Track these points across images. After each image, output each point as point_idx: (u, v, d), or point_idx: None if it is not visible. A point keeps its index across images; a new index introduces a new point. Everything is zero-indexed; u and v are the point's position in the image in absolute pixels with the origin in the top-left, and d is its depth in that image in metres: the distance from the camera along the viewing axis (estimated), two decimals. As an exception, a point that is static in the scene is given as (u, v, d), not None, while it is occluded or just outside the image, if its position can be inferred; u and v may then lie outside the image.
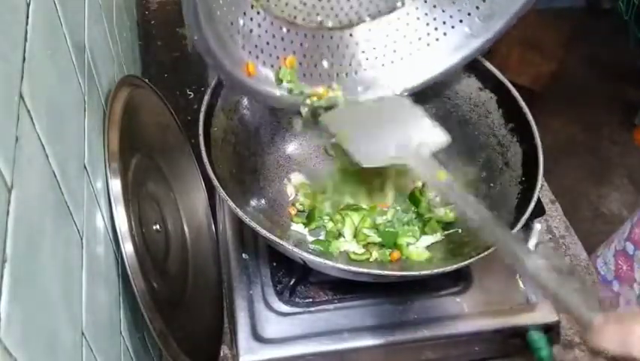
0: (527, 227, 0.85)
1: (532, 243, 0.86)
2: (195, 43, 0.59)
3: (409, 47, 0.72)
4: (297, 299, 0.71)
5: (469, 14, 0.69)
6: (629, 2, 2.15)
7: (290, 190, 0.81)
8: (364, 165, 0.65)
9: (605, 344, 0.44)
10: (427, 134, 0.66)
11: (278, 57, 0.67)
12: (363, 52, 0.71)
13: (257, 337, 0.67)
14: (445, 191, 0.62)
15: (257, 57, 0.66)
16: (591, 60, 2.24)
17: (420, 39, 0.72)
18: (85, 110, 0.54)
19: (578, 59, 2.22)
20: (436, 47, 0.72)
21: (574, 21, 2.15)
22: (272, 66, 0.68)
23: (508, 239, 0.54)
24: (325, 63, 0.70)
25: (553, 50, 2.02)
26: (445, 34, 0.71)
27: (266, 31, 0.65)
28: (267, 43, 0.66)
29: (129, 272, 0.56)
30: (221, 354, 0.74)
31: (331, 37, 0.69)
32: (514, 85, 0.75)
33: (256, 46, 0.65)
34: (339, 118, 0.69)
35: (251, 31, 0.64)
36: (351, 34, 0.70)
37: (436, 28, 0.71)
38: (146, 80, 0.76)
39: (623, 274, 1.01)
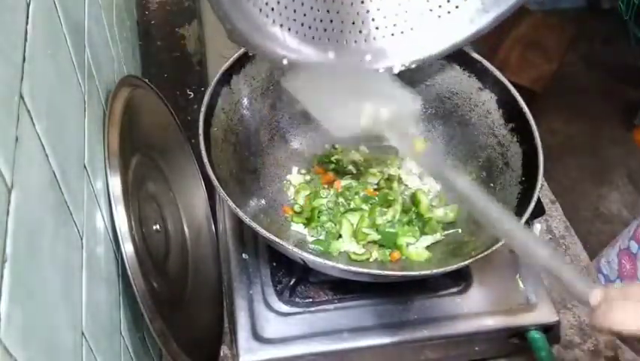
0: (527, 227, 0.86)
1: (532, 243, 0.86)
2: (224, 25, 0.58)
3: (421, 19, 0.72)
4: (297, 299, 0.71)
5: None
6: (629, 2, 2.15)
7: (290, 190, 0.81)
8: (337, 136, 0.64)
9: (618, 322, 0.39)
10: (399, 101, 0.64)
11: (295, 20, 0.67)
12: (373, 20, 0.71)
13: (257, 337, 0.67)
14: (423, 162, 0.59)
15: (267, 15, 0.65)
16: (591, 60, 2.24)
17: (431, 11, 0.71)
18: (85, 110, 0.54)
19: (578, 59, 2.22)
20: (448, 19, 0.71)
21: (574, 21, 2.15)
22: (304, 35, 0.68)
23: (492, 211, 0.52)
24: (336, 29, 0.70)
25: (554, 51, 2.02)
26: (457, 7, 0.71)
27: (293, 0, 0.65)
28: (278, 2, 0.65)
29: (129, 272, 0.56)
30: (221, 354, 0.74)
31: (342, 3, 0.69)
32: (514, 85, 0.75)
33: (267, 3, 0.65)
34: (303, 82, 0.67)
35: (278, 2, 0.64)
36: (362, 2, 0.70)
37: (448, 0, 0.71)
38: (146, 80, 0.76)
39: (626, 273, 1.01)
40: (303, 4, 0.67)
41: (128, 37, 0.94)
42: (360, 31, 0.70)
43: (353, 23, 0.70)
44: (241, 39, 0.65)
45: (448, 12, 0.71)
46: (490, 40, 0.67)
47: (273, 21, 0.67)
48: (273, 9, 0.66)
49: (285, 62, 0.69)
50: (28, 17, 0.40)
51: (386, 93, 0.66)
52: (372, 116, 0.63)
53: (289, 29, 0.68)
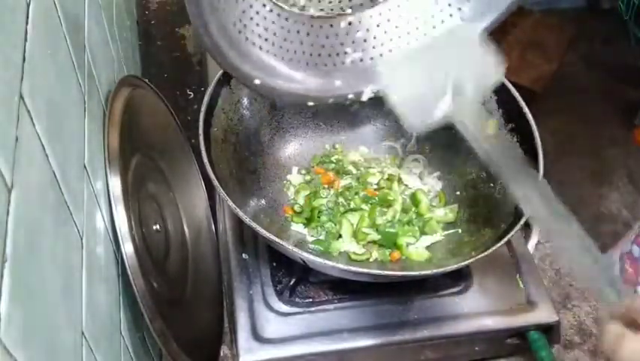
0: (527, 227, 0.86)
1: (532, 243, 0.86)
2: (201, 38, 0.58)
3: (415, 33, 0.71)
4: (297, 299, 0.71)
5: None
6: (629, 2, 2.15)
7: (290, 190, 0.81)
8: (411, 131, 0.62)
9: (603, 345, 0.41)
10: (482, 74, 0.60)
11: (281, 47, 0.67)
12: (367, 39, 0.71)
13: (257, 337, 0.67)
14: (490, 149, 0.55)
15: (255, 44, 0.65)
16: (591, 60, 2.24)
17: (409, 34, 0.71)
18: (85, 110, 0.54)
19: (578, 59, 2.22)
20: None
21: (574, 21, 2.14)
22: (275, 55, 0.67)
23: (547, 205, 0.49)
24: (326, 52, 0.69)
25: (554, 51, 2.02)
26: (434, 27, 0.70)
27: (265, 19, 0.65)
28: (266, 29, 0.65)
29: (129, 272, 0.56)
30: (221, 354, 0.74)
31: (331, 26, 0.69)
32: (514, 85, 0.75)
33: (253, 32, 0.65)
34: (396, 71, 0.64)
35: (251, 19, 0.64)
36: (350, 23, 0.70)
37: (441, 10, 0.70)
38: (146, 80, 0.76)
39: (628, 276, 1.01)
40: (289, 30, 0.67)
41: (128, 37, 0.94)
42: (355, 50, 0.70)
43: (342, 44, 0.69)
44: (232, 69, 0.65)
45: (425, 34, 0.71)
46: (490, 40, 0.67)
47: (260, 47, 0.66)
48: (259, 35, 0.65)
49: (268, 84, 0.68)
50: (28, 17, 0.40)
51: (469, 63, 0.61)
52: (450, 102, 0.59)
53: (275, 55, 0.68)
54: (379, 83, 0.69)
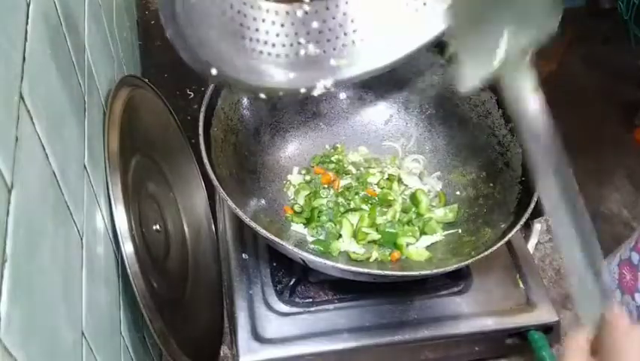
0: (527, 227, 0.86)
1: (532, 243, 0.86)
2: (171, 38, 0.58)
3: (371, 30, 0.70)
4: (297, 299, 0.71)
5: None
6: (629, 2, 2.15)
7: (290, 190, 0.81)
8: (465, 90, 0.60)
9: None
10: (538, 23, 0.57)
11: (236, 33, 0.66)
12: (322, 31, 0.70)
13: (257, 337, 0.67)
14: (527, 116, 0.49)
15: (214, 28, 0.64)
16: (591, 60, 2.24)
17: (382, 19, 0.70)
18: (85, 110, 0.54)
19: (578, 59, 2.22)
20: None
21: (574, 21, 2.14)
22: (232, 43, 0.66)
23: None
24: (280, 41, 0.68)
25: (554, 51, 2.02)
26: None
27: (239, 12, 0.64)
28: (223, 13, 0.64)
29: (129, 272, 0.56)
30: (221, 354, 0.74)
31: (287, 13, 0.67)
32: (514, 85, 0.75)
33: (212, 14, 0.64)
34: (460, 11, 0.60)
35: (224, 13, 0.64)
36: (327, 8, 0.69)
37: (398, 8, 0.69)
38: (146, 80, 0.76)
39: (626, 283, 1.01)
40: (245, 15, 0.65)
41: (128, 37, 0.94)
42: (337, 37, 0.69)
43: (328, 30, 0.69)
44: (192, 60, 0.64)
45: (381, 33, 0.70)
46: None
47: (218, 32, 0.65)
48: (226, 27, 0.64)
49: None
50: (28, 17, 0.40)
51: (527, 10, 0.58)
52: (506, 50, 0.57)
53: (232, 43, 0.66)
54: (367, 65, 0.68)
